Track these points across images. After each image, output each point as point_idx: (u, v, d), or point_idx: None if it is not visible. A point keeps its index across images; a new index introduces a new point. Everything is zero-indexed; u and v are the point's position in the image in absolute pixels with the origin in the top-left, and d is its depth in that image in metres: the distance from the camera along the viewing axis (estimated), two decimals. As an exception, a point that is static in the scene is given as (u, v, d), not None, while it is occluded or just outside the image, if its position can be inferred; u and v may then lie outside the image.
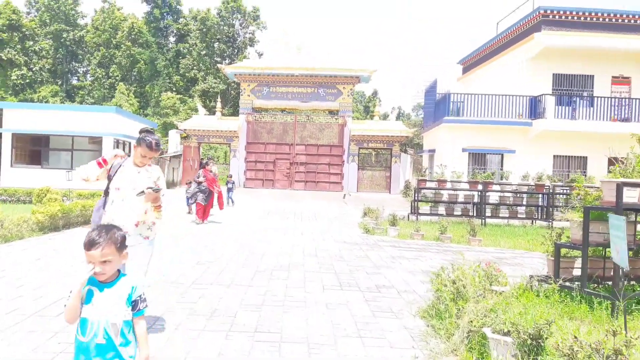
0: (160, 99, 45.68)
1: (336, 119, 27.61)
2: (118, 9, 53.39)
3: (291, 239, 11.07)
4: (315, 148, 27.59)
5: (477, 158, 22.62)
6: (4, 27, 47.38)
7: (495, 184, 16.55)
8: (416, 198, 16.18)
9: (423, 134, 28.34)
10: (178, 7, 54.24)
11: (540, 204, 16.58)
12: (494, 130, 22.05)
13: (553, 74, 22.58)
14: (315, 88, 27.45)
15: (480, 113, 22.31)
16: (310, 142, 27.63)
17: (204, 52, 48.49)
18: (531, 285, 5.97)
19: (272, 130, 27.80)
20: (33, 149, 25.41)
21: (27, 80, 49.51)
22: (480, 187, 16.15)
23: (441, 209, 16.70)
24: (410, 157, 28.82)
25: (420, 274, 7.62)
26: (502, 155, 22.47)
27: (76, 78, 59.51)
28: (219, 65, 31.14)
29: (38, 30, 51.67)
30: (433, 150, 24.63)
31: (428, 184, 16.82)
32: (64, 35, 52.47)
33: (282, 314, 5.14)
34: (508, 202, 16.55)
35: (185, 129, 27.84)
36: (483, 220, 15.74)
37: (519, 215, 16.52)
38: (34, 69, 50.62)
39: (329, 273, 7.38)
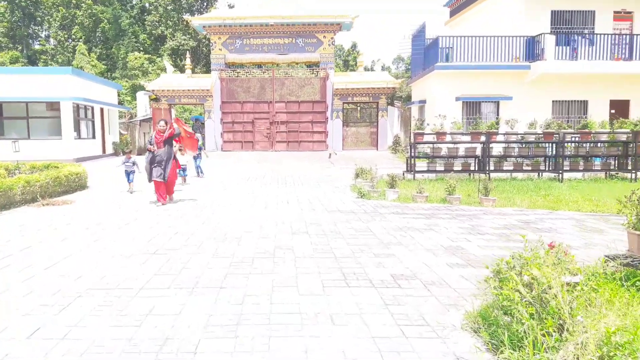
0: (127, 60, 42.60)
1: (317, 72, 25.47)
2: (74, -36, 49.19)
3: (275, 211, 9.32)
4: (296, 105, 25.53)
5: (472, 107, 20.90)
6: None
7: (500, 134, 14.88)
8: (412, 154, 14.48)
9: (411, 84, 26.41)
10: (139, -42, 50.22)
11: (548, 154, 15.03)
12: (488, 75, 20.29)
13: (551, 11, 20.69)
14: (293, 38, 25.16)
15: (473, 58, 20.46)
16: (291, 99, 25.53)
17: (170, 7, 45.06)
18: (606, 272, 4.38)
19: (248, 88, 25.59)
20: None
21: (-18, 47, 45.83)
22: (482, 138, 14.50)
23: (439, 165, 15.11)
24: (398, 110, 26.98)
25: (443, 252, 5.97)
26: (498, 102, 20.78)
27: (38, 42, 55.46)
28: (186, 17, 28.46)
29: (-12, -9, 47.58)
30: (423, 101, 22.81)
31: (425, 138, 15.08)
32: (18, -4, 48.36)
33: (267, 341, 3.43)
34: (513, 154, 14.97)
35: (153, 90, 25.48)
36: (487, 175, 14.19)
37: (524, 168, 15.02)
38: (-12, 34, 46.88)
39: (327, 258, 5.69)
